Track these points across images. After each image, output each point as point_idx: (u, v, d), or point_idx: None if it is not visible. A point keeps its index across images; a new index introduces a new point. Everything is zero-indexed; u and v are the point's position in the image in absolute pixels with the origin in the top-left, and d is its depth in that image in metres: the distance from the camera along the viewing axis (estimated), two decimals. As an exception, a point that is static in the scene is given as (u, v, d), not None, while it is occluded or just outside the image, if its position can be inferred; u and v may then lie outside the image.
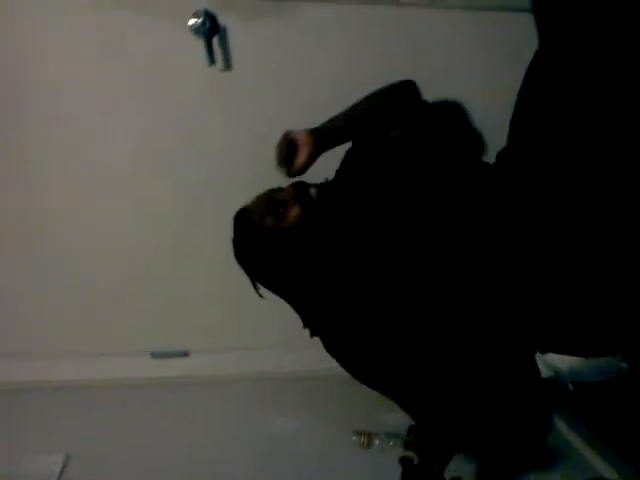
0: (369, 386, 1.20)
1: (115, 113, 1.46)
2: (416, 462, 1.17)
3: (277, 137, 1.47)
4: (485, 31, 1.47)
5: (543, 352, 1.15)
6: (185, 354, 1.70)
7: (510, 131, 1.24)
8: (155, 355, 1.69)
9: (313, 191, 1.11)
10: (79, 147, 1.48)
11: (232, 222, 1.16)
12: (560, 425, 1.52)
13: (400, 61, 1.46)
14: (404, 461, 1.19)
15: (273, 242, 1.09)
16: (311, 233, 1.09)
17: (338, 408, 1.56)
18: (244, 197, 1.54)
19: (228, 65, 1.41)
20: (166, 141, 1.49)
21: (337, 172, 1.26)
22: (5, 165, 1.49)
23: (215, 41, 1.37)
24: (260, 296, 1.17)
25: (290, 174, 1.14)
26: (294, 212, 1.08)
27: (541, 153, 1.13)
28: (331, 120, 1.18)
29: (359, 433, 1.43)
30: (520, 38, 1.30)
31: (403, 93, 1.27)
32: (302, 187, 1.12)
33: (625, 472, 1.31)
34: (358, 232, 1.11)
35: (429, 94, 1.37)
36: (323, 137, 1.14)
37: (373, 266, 1.10)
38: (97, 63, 1.41)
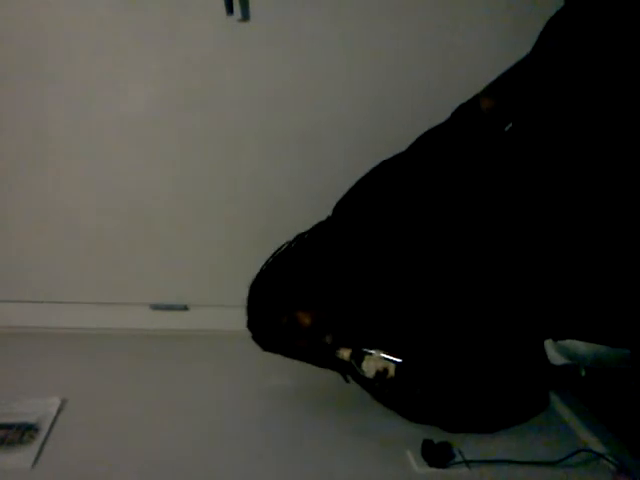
0: None
1: (129, 61, 1.44)
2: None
3: (289, 93, 1.46)
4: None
5: (558, 339, 1.15)
6: (185, 308, 1.71)
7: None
8: (155, 307, 1.70)
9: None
10: (92, 97, 1.47)
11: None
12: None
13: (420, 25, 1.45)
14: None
15: None
16: None
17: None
18: (254, 149, 1.55)
19: (246, 15, 1.39)
20: (179, 91, 1.48)
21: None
22: (16, 118, 1.47)
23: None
24: None
25: None
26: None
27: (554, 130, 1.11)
28: None
29: None
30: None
31: None
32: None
33: (613, 445, 1.33)
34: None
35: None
36: None
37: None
38: (113, 13, 1.38)
